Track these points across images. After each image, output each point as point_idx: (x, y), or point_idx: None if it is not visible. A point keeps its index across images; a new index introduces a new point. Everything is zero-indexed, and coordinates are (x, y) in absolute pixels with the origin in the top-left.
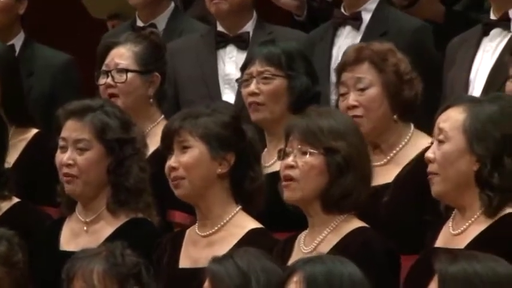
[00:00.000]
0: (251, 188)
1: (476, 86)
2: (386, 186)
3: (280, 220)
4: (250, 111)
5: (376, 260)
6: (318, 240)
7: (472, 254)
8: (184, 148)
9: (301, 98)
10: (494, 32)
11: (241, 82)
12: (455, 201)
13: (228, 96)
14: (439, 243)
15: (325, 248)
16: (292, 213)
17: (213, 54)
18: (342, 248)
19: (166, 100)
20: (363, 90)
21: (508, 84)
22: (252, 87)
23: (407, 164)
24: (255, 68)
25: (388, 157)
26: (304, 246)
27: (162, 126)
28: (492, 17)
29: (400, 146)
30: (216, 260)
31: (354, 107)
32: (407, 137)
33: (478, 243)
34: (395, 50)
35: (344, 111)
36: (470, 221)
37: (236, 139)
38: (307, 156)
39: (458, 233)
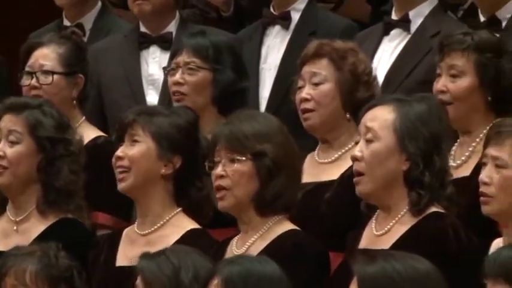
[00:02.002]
0: (197, 197)
1: None
2: (330, 183)
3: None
4: (174, 99)
5: (307, 262)
6: (249, 243)
7: (389, 253)
8: (134, 141)
9: (225, 92)
10: (395, 32)
11: (169, 71)
12: (380, 200)
13: (152, 97)
14: (362, 244)
15: (255, 250)
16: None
17: (136, 54)
18: (272, 250)
19: (87, 101)
20: (317, 84)
21: (435, 85)
22: (177, 76)
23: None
24: (182, 58)
25: (336, 155)
26: (236, 248)
27: (84, 127)
28: (394, 17)
29: (350, 145)
30: (145, 256)
31: (306, 100)
32: (358, 138)
33: (403, 242)
34: (358, 50)
35: (298, 104)
36: (394, 221)
37: (187, 144)
38: (236, 164)
39: (382, 234)
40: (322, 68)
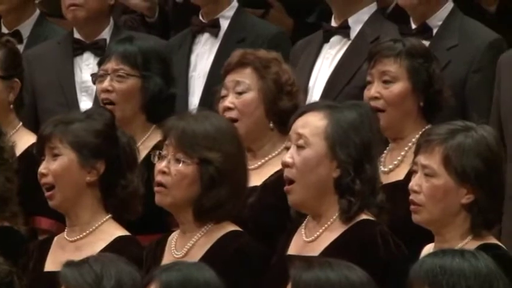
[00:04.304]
0: (122, 195)
1: (315, 92)
2: (253, 189)
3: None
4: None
5: (250, 265)
6: (189, 245)
7: (327, 261)
8: (55, 155)
9: (154, 99)
10: (334, 39)
11: (97, 77)
12: (312, 209)
13: (86, 103)
14: (292, 250)
15: (197, 253)
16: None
17: (70, 61)
18: (214, 255)
19: (23, 107)
20: (240, 93)
21: (366, 92)
22: (106, 84)
23: (278, 171)
24: (110, 65)
25: (260, 163)
26: (176, 250)
27: (22, 133)
28: (333, 24)
29: (274, 154)
30: (69, 264)
31: (229, 108)
32: (281, 148)
33: (332, 249)
34: (281, 60)
35: (221, 113)
36: (324, 227)
37: (107, 147)
38: (180, 164)
39: (311, 240)
40: (245, 76)
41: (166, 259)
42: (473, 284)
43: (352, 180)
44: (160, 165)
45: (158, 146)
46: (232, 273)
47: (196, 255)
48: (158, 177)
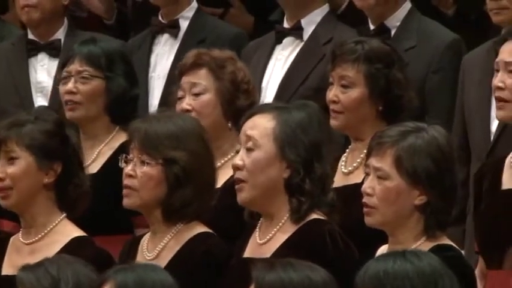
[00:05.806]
0: (75, 195)
1: (268, 94)
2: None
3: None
4: (66, 109)
5: (218, 267)
6: (160, 247)
7: (289, 262)
8: (11, 159)
9: (118, 100)
10: (287, 40)
11: (60, 79)
12: (262, 208)
13: (41, 104)
14: (247, 252)
15: (167, 255)
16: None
17: (24, 62)
18: (183, 256)
19: None
20: (197, 95)
21: (327, 93)
22: (70, 85)
23: None
24: (74, 67)
25: (219, 163)
26: (148, 252)
27: None
28: (286, 25)
29: (232, 154)
30: (25, 267)
31: (188, 111)
32: (238, 147)
33: (284, 249)
34: (236, 59)
35: None
36: (276, 229)
37: (62, 147)
38: (145, 166)
39: (265, 242)
40: (201, 78)
41: (139, 261)
42: (417, 284)
43: (302, 179)
44: (127, 168)
45: (123, 148)
46: (201, 275)
47: (167, 258)
48: (125, 181)
